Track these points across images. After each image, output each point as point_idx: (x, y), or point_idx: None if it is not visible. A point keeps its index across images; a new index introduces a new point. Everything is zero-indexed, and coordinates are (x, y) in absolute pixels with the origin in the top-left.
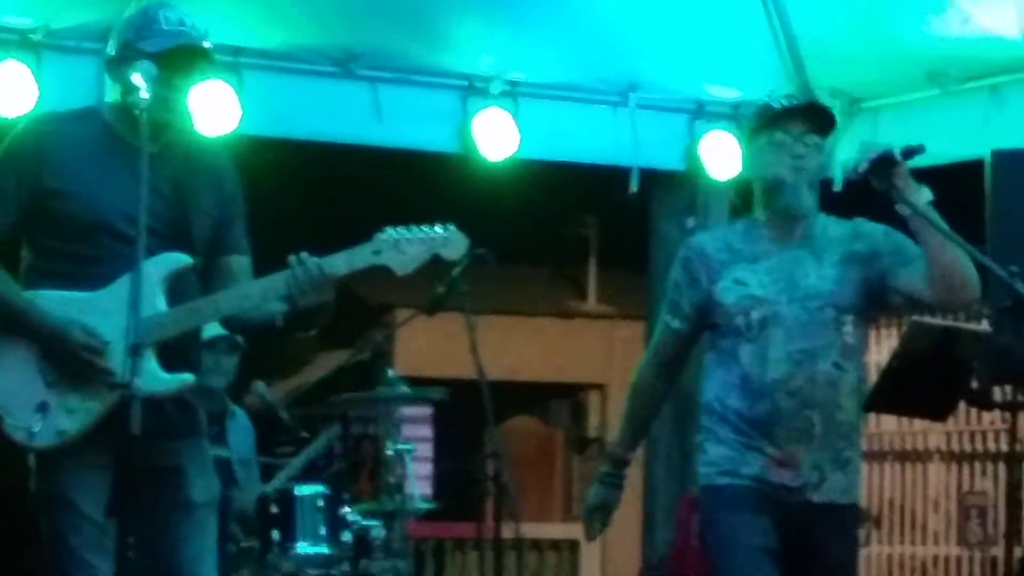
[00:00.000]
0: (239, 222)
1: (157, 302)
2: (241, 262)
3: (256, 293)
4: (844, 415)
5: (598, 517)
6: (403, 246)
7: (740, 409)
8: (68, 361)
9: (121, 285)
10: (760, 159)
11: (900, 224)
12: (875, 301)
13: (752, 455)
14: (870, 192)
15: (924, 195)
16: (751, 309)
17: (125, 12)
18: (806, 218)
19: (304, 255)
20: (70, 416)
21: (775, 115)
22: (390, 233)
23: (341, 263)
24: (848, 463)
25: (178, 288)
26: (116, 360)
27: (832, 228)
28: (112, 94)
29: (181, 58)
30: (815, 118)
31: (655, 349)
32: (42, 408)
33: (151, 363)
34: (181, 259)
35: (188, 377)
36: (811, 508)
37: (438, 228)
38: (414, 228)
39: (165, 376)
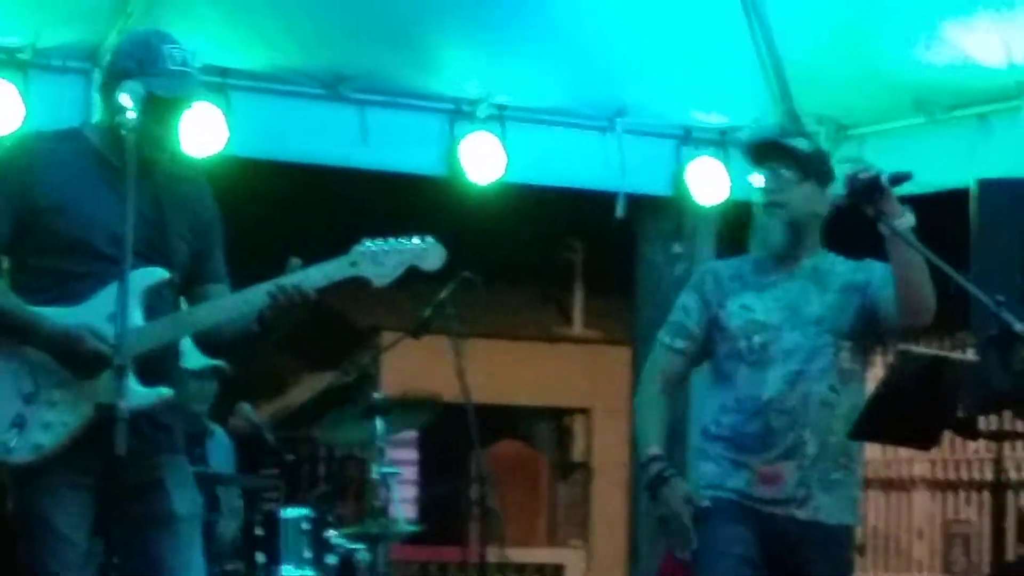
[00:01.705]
0: (218, 250)
1: (134, 316)
2: (220, 289)
3: (232, 307)
4: (838, 438)
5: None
6: (380, 258)
7: (734, 425)
8: (75, 364)
9: (100, 299)
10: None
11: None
12: (870, 330)
13: (739, 471)
14: (858, 217)
15: (908, 219)
16: (753, 334)
17: (112, 33)
18: (788, 255)
19: (282, 280)
20: (46, 431)
21: (749, 151)
22: (367, 245)
23: (318, 276)
24: (837, 485)
25: (155, 303)
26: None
27: (840, 265)
28: (97, 114)
29: (179, 100)
30: (787, 152)
31: (656, 371)
32: (18, 423)
33: (128, 378)
34: (159, 273)
35: (166, 391)
36: (797, 525)
37: (416, 239)
38: (391, 240)
39: (142, 390)
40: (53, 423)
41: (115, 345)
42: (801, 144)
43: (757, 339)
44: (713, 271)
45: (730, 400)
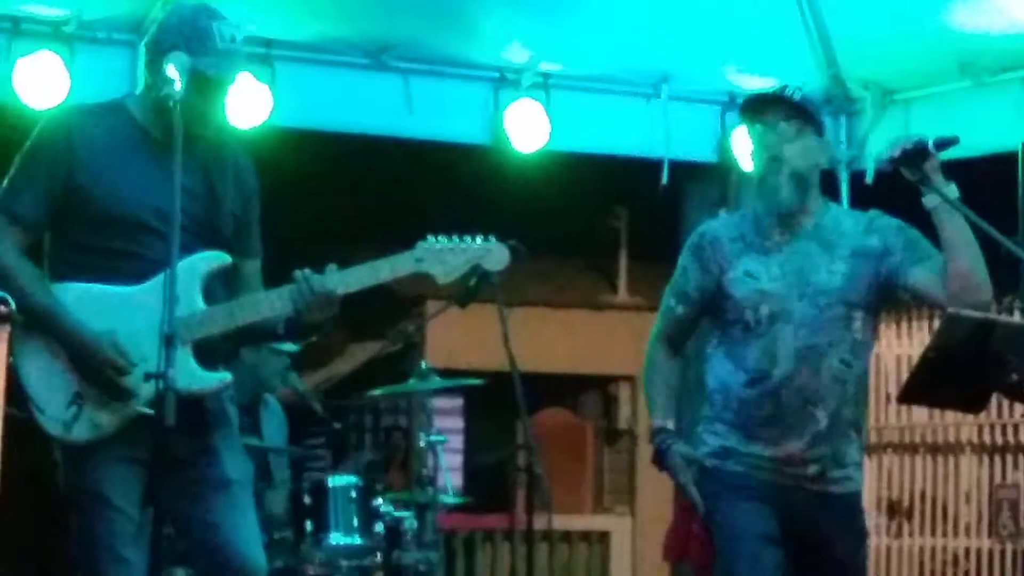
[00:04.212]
0: (256, 224)
1: (195, 299)
2: (255, 266)
3: (276, 301)
4: (849, 411)
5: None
6: (446, 256)
7: (745, 401)
8: (91, 374)
9: (160, 280)
10: (751, 155)
11: (925, 223)
12: (884, 296)
13: (752, 446)
14: (901, 184)
15: (951, 191)
16: (760, 304)
17: (157, 5)
18: (794, 213)
19: (307, 272)
20: (107, 409)
21: (746, 108)
22: (432, 242)
23: (385, 270)
24: (846, 456)
25: (214, 287)
26: (141, 383)
27: (845, 221)
28: (140, 87)
29: (227, 79)
30: (787, 109)
31: (662, 332)
32: (77, 400)
33: (190, 361)
34: (222, 258)
35: (226, 376)
36: (809, 497)
37: (479, 239)
38: (455, 238)
39: (204, 374)
40: (113, 403)
41: (166, 317)
42: (796, 95)
43: (764, 310)
44: (712, 235)
45: (741, 373)
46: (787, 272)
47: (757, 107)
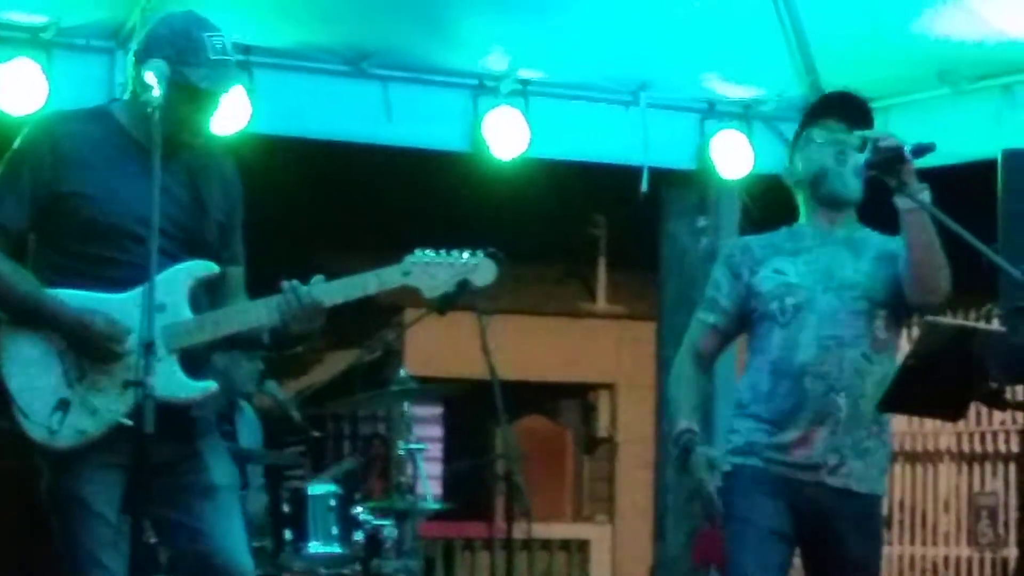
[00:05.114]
0: (239, 231)
1: (182, 308)
2: (238, 273)
3: (263, 311)
4: (868, 405)
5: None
6: (433, 270)
7: (769, 392)
8: (90, 351)
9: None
10: (804, 157)
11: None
12: (902, 300)
13: (774, 439)
14: (880, 189)
15: (925, 195)
16: (786, 295)
17: (136, 11)
18: (851, 209)
19: (294, 283)
20: (92, 416)
21: (812, 111)
22: (420, 256)
23: (372, 283)
24: (869, 453)
25: (199, 297)
26: (135, 352)
27: (874, 237)
28: (124, 93)
29: (220, 91)
30: (852, 113)
31: (690, 346)
32: (62, 407)
33: (175, 369)
34: (210, 267)
35: (212, 384)
36: (828, 493)
37: (467, 254)
38: (443, 252)
39: (190, 383)
40: (99, 409)
41: (145, 324)
42: (868, 104)
43: (790, 300)
44: (742, 243)
45: (764, 364)
46: (814, 269)
47: (822, 112)
